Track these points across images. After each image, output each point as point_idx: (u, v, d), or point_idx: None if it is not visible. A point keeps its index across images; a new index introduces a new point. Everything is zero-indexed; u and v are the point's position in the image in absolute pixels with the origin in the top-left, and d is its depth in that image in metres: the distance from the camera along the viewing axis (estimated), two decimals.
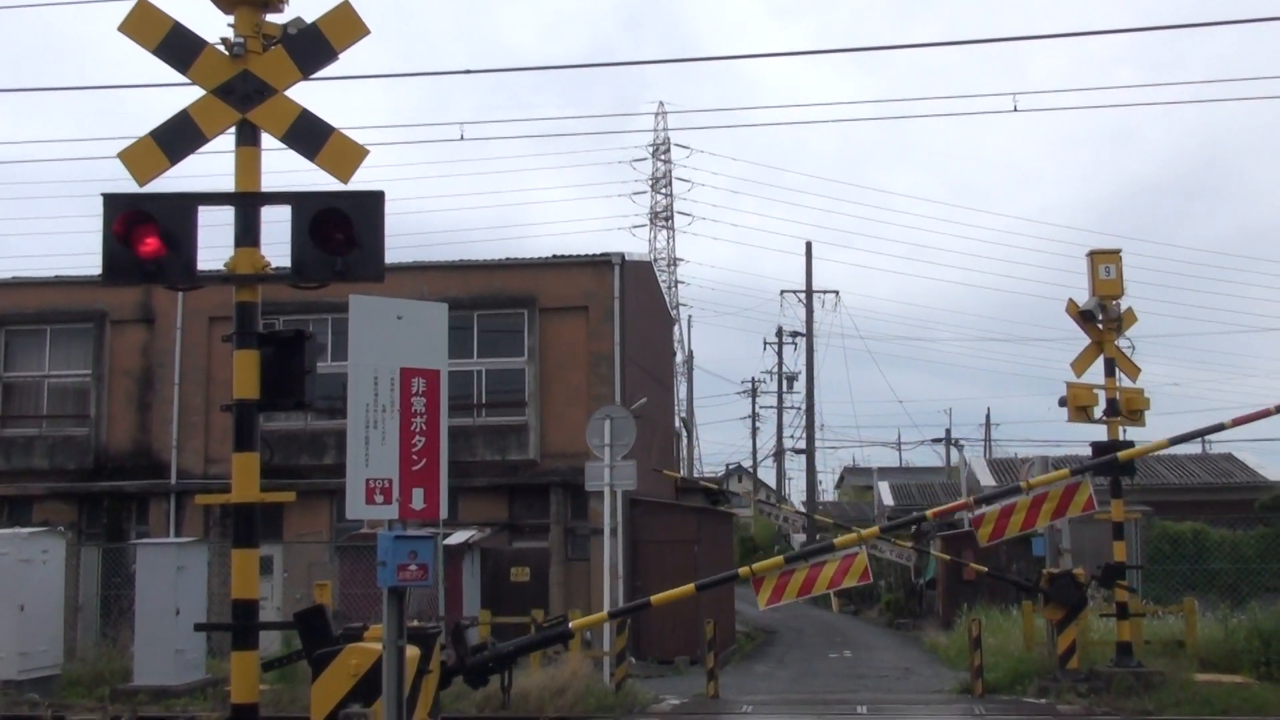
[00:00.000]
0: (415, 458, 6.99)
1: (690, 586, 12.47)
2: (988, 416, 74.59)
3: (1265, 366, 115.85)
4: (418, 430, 7.03)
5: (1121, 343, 16.92)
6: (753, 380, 68.66)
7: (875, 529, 10.45)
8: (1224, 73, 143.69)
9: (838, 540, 9.38)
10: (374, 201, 7.78)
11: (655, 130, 58.71)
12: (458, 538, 20.80)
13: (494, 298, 23.87)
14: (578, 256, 24.78)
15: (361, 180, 8.11)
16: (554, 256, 25.11)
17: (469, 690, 13.37)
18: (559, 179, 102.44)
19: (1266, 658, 16.02)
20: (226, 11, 8.04)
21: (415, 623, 8.32)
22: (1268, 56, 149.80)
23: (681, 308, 58.76)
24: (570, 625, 9.45)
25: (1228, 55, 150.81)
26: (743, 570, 9.32)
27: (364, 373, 6.98)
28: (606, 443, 18.79)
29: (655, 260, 54.85)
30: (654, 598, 12.15)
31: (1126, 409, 16.58)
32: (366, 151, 8.02)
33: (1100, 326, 16.67)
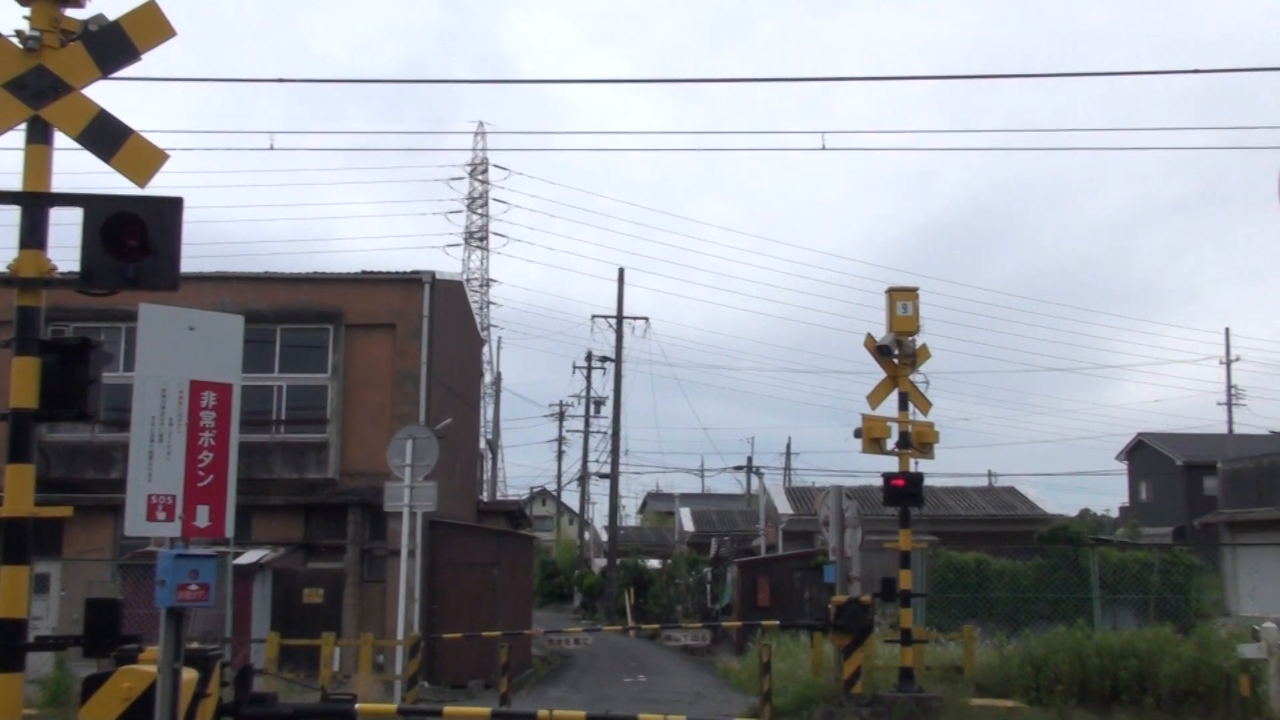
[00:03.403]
0: (202, 474, 6.79)
1: None
2: (788, 445, 76.37)
3: (1047, 404, 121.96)
4: (206, 445, 6.83)
5: (916, 378, 17.49)
6: (560, 404, 68.85)
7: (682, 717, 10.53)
8: (1015, 123, 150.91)
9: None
10: (171, 207, 7.54)
11: (474, 150, 58.60)
12: (249, 557, 20.27)
13: (299, 312, 23.37)
14: (387, 273, 24.52)
15: (161, 185, 7.88)
16: (363, 272, 24.76)
17: None
18: (369, 194, 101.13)
19: (1037, 683, 16.70)
20: (23, 3, 7.72)
21: (195, 644, 8.06)
22: (1052, 111, 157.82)
23: (492, 329, 58.67)
24: (356, 706, 9.30)
25: (1018, 108, 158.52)
26: (542, 713, 9.33)
27: (151, 384, 6.76)
28: (408, 463, 18.63)
29: (468, 280, 54.59)
30: None
31: (917, 442, 17.17)
32: (166, 156, 7.79)
33: (896, 361, 17.22)
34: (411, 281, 23.93)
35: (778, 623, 22.27)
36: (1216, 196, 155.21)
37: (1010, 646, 18.51)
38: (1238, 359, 54.59)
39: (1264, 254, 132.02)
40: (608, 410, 52.06)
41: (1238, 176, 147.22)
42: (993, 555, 26.09)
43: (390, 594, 20.60)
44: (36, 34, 7.62)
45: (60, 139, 7.73)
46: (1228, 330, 56.25)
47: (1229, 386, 54.27)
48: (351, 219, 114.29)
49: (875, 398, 17.40)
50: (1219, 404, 55.03)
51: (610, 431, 47.80)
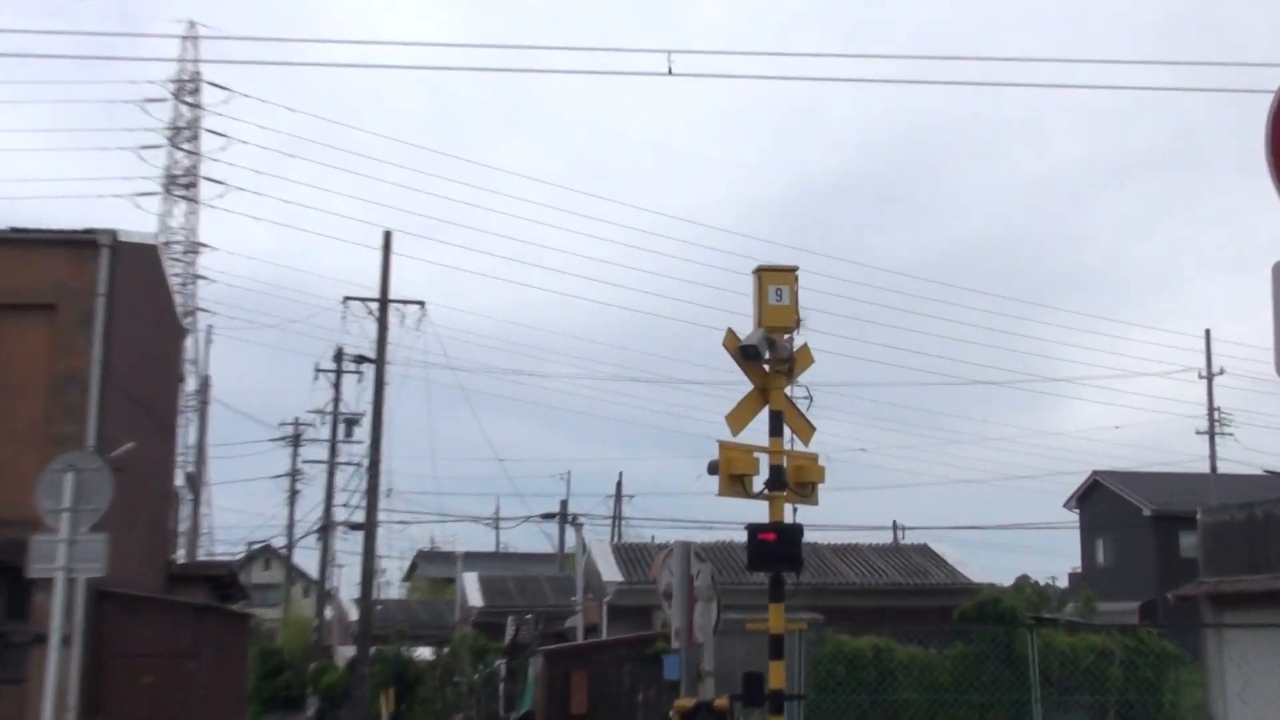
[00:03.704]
0: None
1: None
2: (619, 485, 75.76)
3: (972, 430, 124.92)
4: None
5: (794, 391, 17.44)
6: (296, 422, 67.48)
7: None
8: (927, 49, 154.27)
9: None
10: None
11: (180, 61, 57.48)
12: None
13: None
14: (47, 231, 24.30)
15: None
16: (12, 230, 24.42)
17: None
18: (24, 119, 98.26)
19: None
20: None
21: None
22: (977, 34, 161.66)
23: (201, 314, 57.59)
24: None
25: (931, 29, 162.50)
26: None
27: None
28: (67, 507, 18.07)
29: (167, 244, 53.52)
30: None
31: (795, 480, 16.97)
32: None
33: (767, 368, 17.09)
34: (82, 244, 23.72)
35: None
36: (1194, 155, 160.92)
37: None
38: (1222, 371, 55.79)
39: (1253, 232, 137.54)
40: (364, 433, 51.40)
41: (1221, 128, 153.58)
42: (898, 640, 26.38)
43: (32, 699, 19.97)
44: None
45: None
46: (1209, 333, 56.53)
47: (1211, 409, 55.72)
48: None
49: (738, 419, 17.26)
50: (1198, 432, 56.17)
51: (367, 462, 47.16)
